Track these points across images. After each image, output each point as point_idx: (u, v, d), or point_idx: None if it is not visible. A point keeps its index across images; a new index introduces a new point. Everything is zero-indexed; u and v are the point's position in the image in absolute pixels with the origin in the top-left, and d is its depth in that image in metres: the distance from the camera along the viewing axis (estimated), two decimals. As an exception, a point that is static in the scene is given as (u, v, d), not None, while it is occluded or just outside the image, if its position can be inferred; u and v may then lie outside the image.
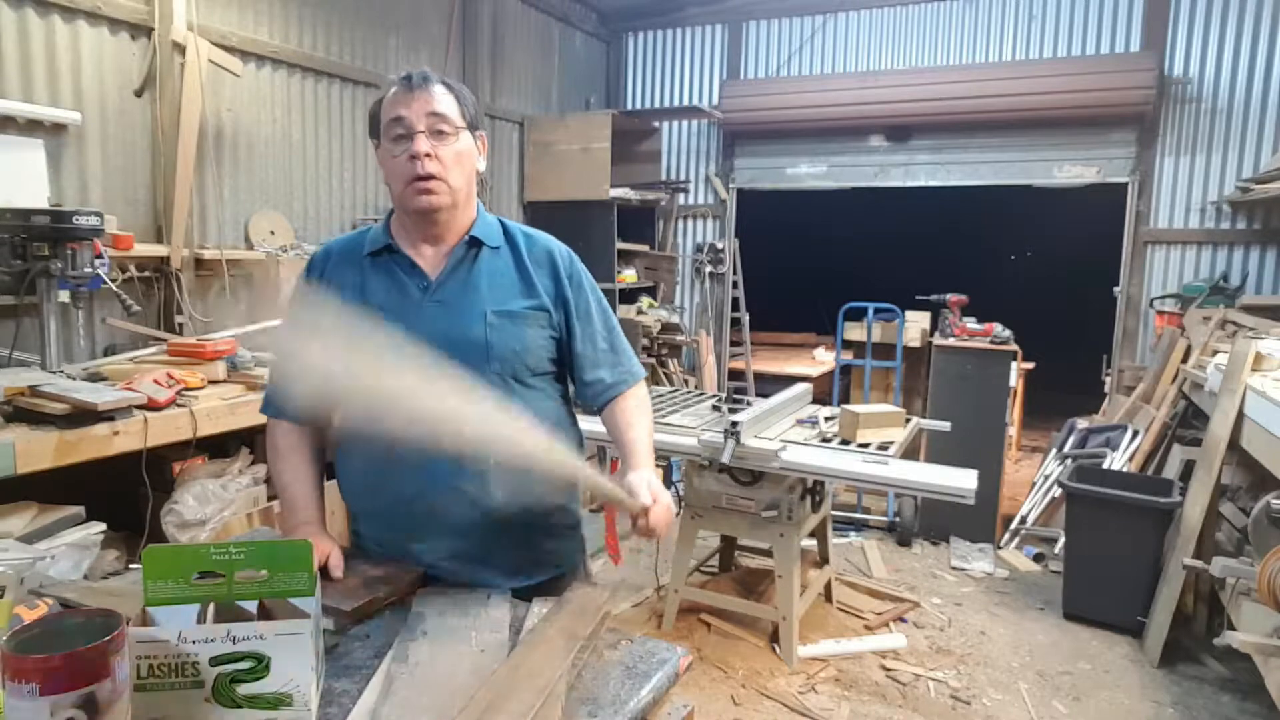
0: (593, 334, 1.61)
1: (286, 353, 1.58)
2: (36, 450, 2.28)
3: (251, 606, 1.00)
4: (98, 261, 2.85)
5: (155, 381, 2.68)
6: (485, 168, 1.59)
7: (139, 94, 3.56)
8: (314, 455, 1.59)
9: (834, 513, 4.53)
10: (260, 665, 0.94)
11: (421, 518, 1.47)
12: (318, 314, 1.51)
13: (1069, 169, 5.58)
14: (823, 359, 6.75)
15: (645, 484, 1.42)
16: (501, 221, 1.61)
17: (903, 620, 3.70)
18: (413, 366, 1.40)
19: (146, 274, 3.58)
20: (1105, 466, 4.47)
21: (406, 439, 1.42)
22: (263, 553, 0.99)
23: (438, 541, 1.48)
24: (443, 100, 1.45)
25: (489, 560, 1.50)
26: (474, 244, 1.52)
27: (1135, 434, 4.64)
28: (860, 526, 4.89)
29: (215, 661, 0.93)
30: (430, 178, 1.43)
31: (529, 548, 1.56)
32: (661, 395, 4.04)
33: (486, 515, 1.48)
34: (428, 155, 1.42)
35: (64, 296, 2.89)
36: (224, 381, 3.04)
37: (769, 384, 5.84)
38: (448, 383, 1.31)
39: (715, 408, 3.72)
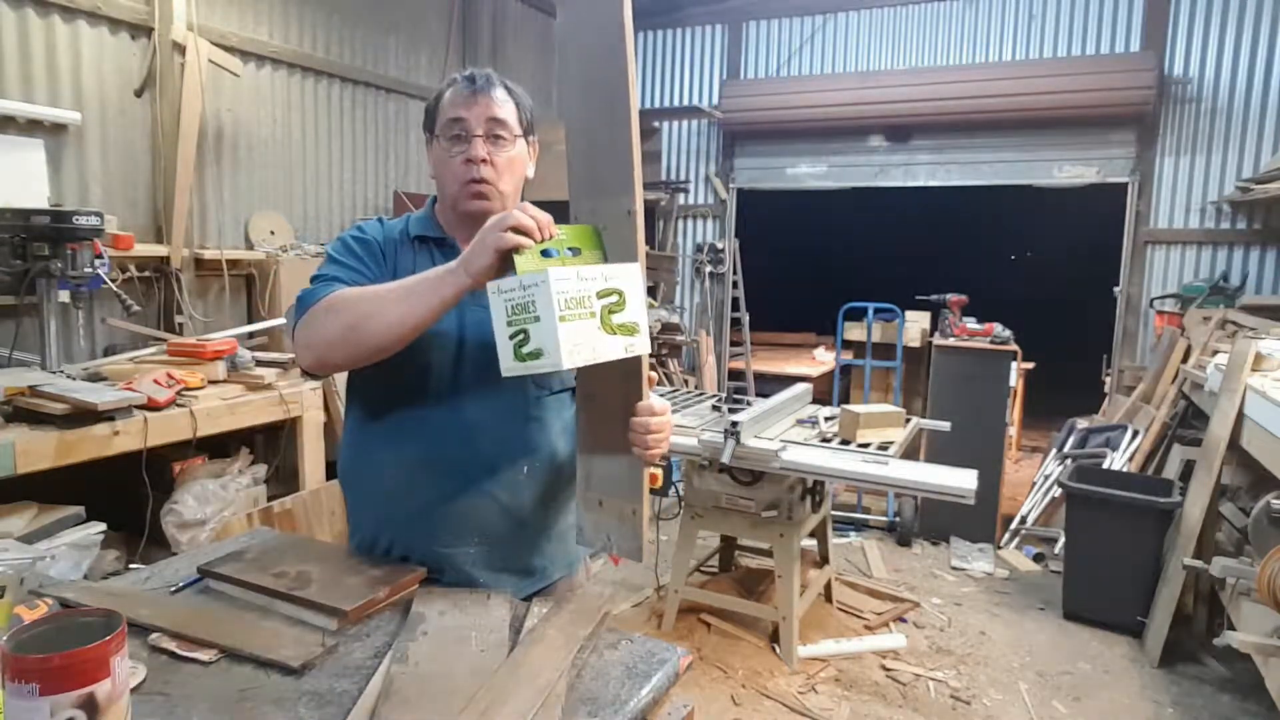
0: None
1: (327, 270, 1.44)
2: (36, 450, 2.29)
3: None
4: (98, 261, 2.86)
5: (155, 381, 2.68)
6: (534, 173, 1.60)
7: (139, 94, 3.56)
8: None
9: (834, 513, 4.53)
10: (621, 299, 1.16)
11: (451, 522, 1.46)
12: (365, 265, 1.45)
13: (1069, 169, 5.58)
14: (823, 359, 6.75)
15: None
16: None
17: (903, 620, 3.70)
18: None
19: (146, 274, 3.58)
20: (1105, 466, 4.47)
21: (443, 442, 1.43)
22: (574, 235, 1.26)
23: (465, 547, 1.47)
24: (503, 106, 1.46)
25: (511, 565, 1.51)
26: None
27: (1135, 434, 4.64)
28: (860, 526, 4.89)
29: (599, 295, 1.13)
30: (484, 181, 1.45)
31: (546, 554, 1.56)
32: (661, 395, 4.03)
33: (516, 522, 1.49)
34: (484, 160, 1.44)
35: (64, 296, 2.90)
36: (224, 381, 3.04)
37: (769, 384, 5.84)
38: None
39: (715, 408, 3.71)
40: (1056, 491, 4.57)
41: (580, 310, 1.11)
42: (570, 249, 1.24)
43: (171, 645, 1.12)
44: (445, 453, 1.44)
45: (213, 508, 2.88)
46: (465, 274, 1.20)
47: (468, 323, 1.45)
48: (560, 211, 1.39)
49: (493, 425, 1.45)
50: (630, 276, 1.17)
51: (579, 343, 1.10)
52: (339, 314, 1.29)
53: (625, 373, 1.33)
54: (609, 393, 1.37)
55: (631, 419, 1.31)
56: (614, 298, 1.14)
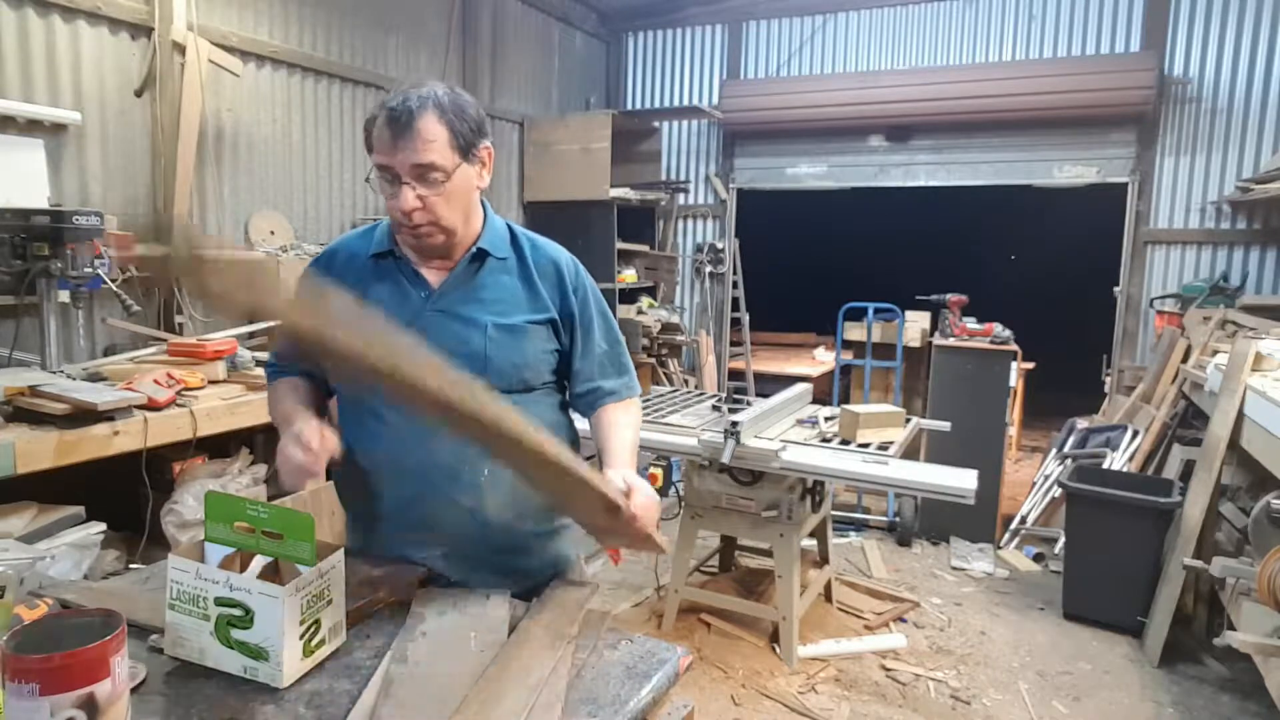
0: (592, 349, 1.58)
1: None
2: (36, 450, 2.28)
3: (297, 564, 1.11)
4: (98, 261, 2.85)
5: (155, 381, 2.68)
6: (489, 181, 1.51)
7: (139, 94, 3.56)
8: (312, 395, 1.57)
9: (834, 513, 4.53)
10: (246, 616, 1.04)
11: (415, 525, 1.47)
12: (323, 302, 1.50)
13: (1069, 169, 5.58)
14: (823, 359, 6.75)
15: (620, 478, 1.36)
16: (509, 227, 1.57)
17: (903, 620, 3.70)
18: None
19: (146, 274, 3.57)
20: (1105, 466, 4.47)
21: (401, 446, 1.43)
22: (278, 517, 1.10)
23: (433, 547, 1.48)
24: (430, 146, 1.33)
25: (484, 565, 1.50)
26: (480, 255, 1.49)
27: (1135, 434, 4.64)
28: (860, 526, 4.89)
29: (218, 602, 1.05)
30: (418, 226, 1.38)
31: (524, 553, 1.55)
32: (661, 395, 4.03)
33: (481, 524, 1.48)
34: (417, 208, 1.36)
35: (64, 296, 2.89)
36: (224, 381, 3.04)
37: (769, 384, 5.84)
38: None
39: (715, 408, 3.72)
40: (1056, 491, 4.57)
41: (194, 608, 1.06)
42: (269, 531, 1.11)
43: (171, 645, 1.12)
44: (404, 457, 1.44)
45: (213, 508, 2.88)
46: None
47: (427, 327, 1.43)
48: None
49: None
50: (271, 606, 1.03)
51: (184, 637, 1.08)
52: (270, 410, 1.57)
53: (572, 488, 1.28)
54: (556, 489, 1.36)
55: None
56: (238, 610, 1.04)
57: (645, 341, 5.95)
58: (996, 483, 4.49)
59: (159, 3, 3.51)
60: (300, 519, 1.08)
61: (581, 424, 1.68)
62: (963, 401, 4.51)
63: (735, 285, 6.53)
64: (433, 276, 1.48)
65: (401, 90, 1.37)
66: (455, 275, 1.48)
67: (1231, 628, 2.89)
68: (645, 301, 6.34)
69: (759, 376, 6.44)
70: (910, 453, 3.43)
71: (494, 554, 1.51)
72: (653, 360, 6.12)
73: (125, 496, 2.73)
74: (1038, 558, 4.45)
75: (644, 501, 1.32)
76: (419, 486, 1.45)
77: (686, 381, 6.38)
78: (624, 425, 1.57)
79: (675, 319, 6.47)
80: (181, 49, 3.57)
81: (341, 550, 1.15)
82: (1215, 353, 4.06)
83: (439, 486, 1.45)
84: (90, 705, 0.83)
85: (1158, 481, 3.85)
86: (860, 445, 3.23)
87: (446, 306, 1.46)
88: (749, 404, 3.71)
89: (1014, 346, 4.57)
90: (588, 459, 1.67)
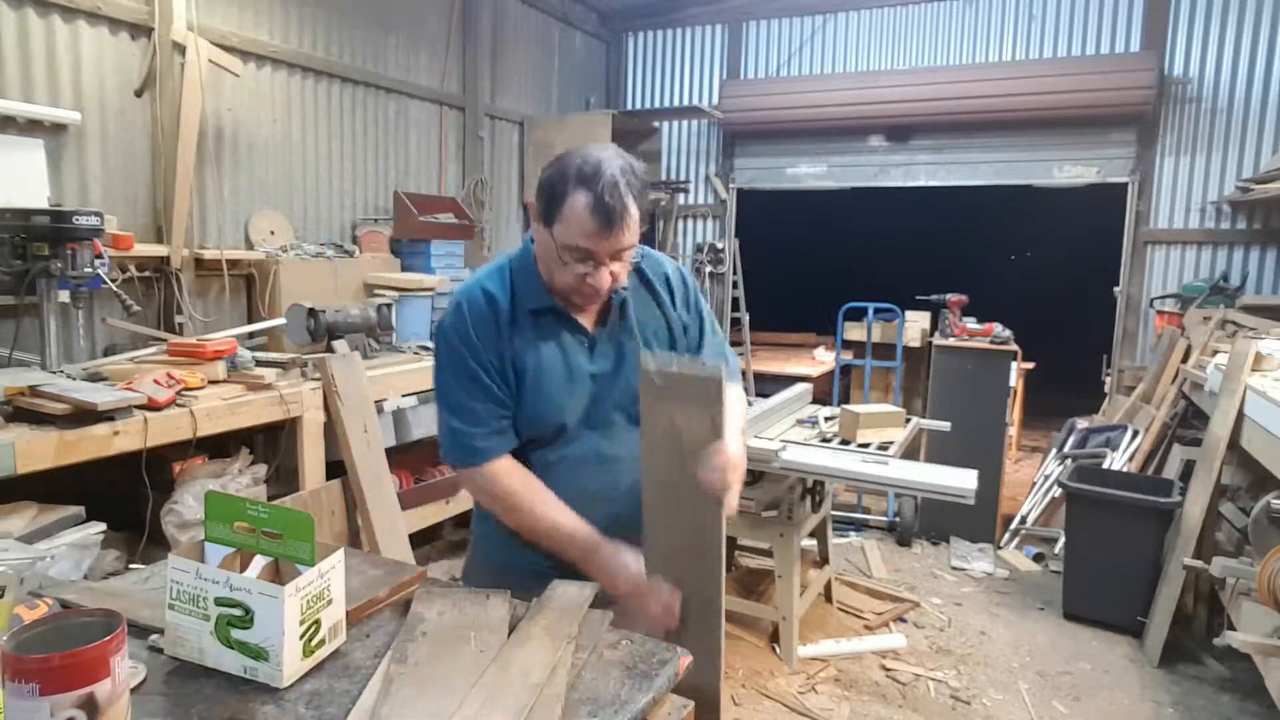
0: (707, 348, 1.67)
1: (462, 396, 1.51)
2: (36, 450, 2.29)
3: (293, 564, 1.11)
4: (98, 261, 2.86)
5: (155, 381, 2.68)
6: None
7: (139, 94, 3.56)
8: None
9: (834, 513, 4.53)
10: (247, 616, 1.04)
11: (615, 537, 1.51)
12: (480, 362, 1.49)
13: (1069, 169, 5.58)
14: (823, 359, 6.75)
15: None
16: None
17: (903, 620, 3.70)
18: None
19: (146, 274, 3.58)
20: (1105, 466, 4.47)
21: (585, 478, 1.52)
22: (278, 517, 1.10)
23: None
24: (631, 231, 1.39)
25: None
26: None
27: (1135, 434, 4.64)
28: (860, 526, 4.89)
29: (218, 602, 1.05)
30: (602, 293, 1.45)
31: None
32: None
33: (637, 527, 1.54)
34: (610, 285, 1.43)
35: (64, 296, 2.90)
36: (224, 381, 3.04)
37: (769, 384, 5.83)
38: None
39: (715, 408, 3.71)
40: (1056, 491, 4.57)
41: (194, 608, 1.06)
42: (270, 530, 1.11)
43: (171, 645, 1.12)
44: (588, 487, 1.52)
45: (213, 508, 2.88)
46: (592, 574, 1.42)
47: (595, 372, 1.52)
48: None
49: (627, 455, 1.52)
50: (272, 606, 1.02)
51: (184, 637, 1.07)
52: (508, 511, 1.50)
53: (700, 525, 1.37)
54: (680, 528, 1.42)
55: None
56: (238, 610, 1.04)
57: (645, 341, 5.94)
58: (996, 483, 4.49)
59: (159, 3, 3.51)
60: (300, 519, 1.09)
61: None
62: (963, 401, 4.50)
63: (735, 285, 6.53)
64: (584, 319, 1.54)
65: (590, 164, 1.38)
66: (608, 316, 1.55)
67: (1231, 628, 2.89)
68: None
69: (759, 376, 6.43)
70: (910, 453, 3.43)
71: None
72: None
73: (125, 496, 2.74)
74: (1038, 558, 4.45)
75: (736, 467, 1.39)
76: (602, 512, 1.50)
77: (686, 381, 6.36)
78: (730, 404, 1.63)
79: (675, 319, 6.46)
80: (181, 49, 3.58)
81: (341, 550, 1.15)
82: (1215, 353, 4.06)
83: (620, 509, 1.52)
84: (90, 705, 0.83)
85: (1158, 481, 3.85)
86: (860, 445, 3.23)
87: (607, 351, 1.54)
88: (749, 404, 3.71)
89: (1014, 346, 4.57)
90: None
